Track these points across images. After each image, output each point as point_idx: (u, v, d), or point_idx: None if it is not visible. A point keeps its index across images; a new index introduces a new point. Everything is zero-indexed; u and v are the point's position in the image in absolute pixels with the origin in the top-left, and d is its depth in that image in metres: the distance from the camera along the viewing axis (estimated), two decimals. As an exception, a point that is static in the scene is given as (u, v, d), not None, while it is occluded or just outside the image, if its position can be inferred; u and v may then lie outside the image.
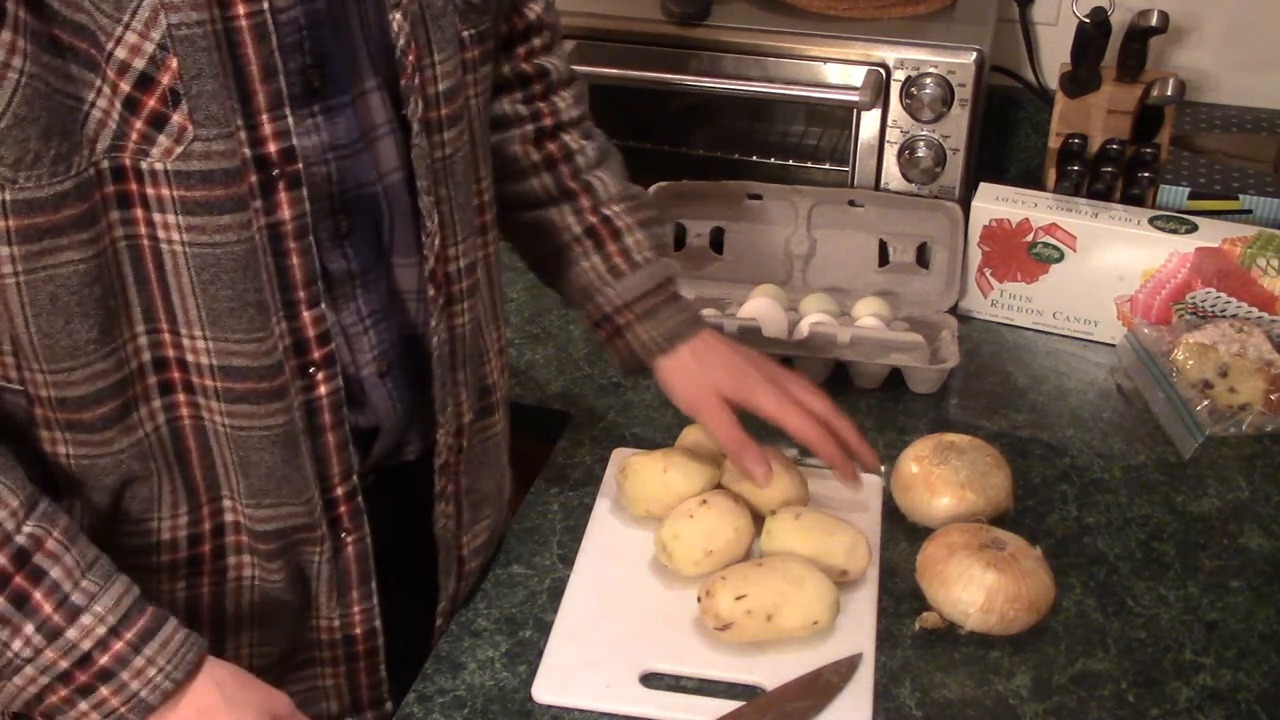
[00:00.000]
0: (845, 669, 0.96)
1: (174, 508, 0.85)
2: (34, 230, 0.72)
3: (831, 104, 1.43)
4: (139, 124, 0.73)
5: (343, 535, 0.91)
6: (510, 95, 1.07)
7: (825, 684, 0.95)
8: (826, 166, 1.53)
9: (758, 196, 1.42)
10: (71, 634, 0.75)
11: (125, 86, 0.72)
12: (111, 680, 0.76)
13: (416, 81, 0.85)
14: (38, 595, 0.74)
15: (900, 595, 1.05)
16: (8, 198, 0.71)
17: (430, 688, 0.97)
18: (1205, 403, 1.25)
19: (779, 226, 1.43)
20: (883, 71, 1.38)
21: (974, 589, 0.99)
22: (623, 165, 1.13)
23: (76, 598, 0.76)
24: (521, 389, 1.32)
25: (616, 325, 1.08)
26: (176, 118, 0.73)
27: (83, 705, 0.76)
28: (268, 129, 0.77)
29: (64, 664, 0.75)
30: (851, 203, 1.41)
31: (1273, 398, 1.25)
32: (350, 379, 0.89)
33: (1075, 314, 1.40)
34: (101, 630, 0.76)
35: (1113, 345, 1.39)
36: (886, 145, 1.42)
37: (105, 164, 0.74)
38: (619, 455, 1.20)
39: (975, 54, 1.36)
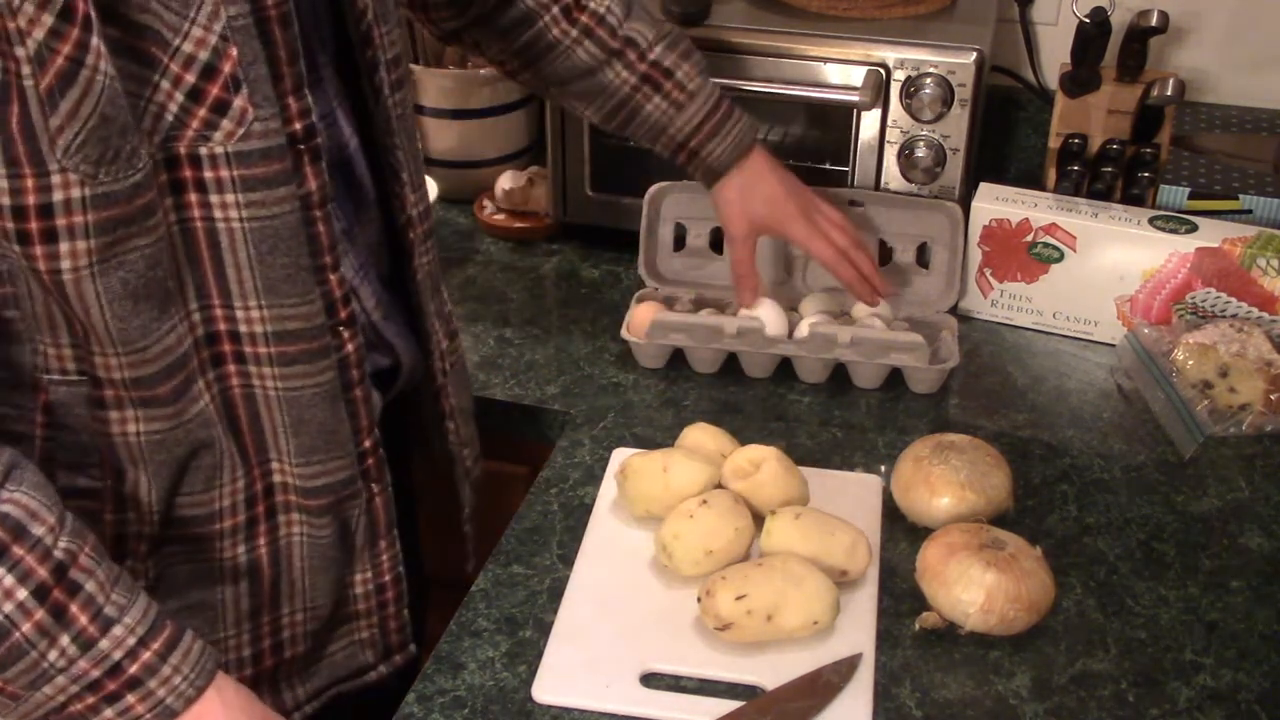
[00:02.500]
0: (845, 669, 0.96)
1: (232, 473, 0.91)
2: (110, 222, 0.76)
3: (831, 104, 1.43)
4: (202, 112, 0.78)
5: (372, 486, 0.98)
6: None
7: (825, 684, 0.95)
8: (826, 166, 1.53)
9: (758, 196, 1.42)
10: (104, 644, 0.77)
11: (190, 78, 0.77)
12: (139, 688, 0.78)
13: (380, 53, 0.93)
14: (74, 608, 0.77)
15: (900, 595, 1.05)
16: (88, 193, 0.75)
17: (430, 688, 0.97)
18: (1205, 403, 1.25)
19: (779, 226, 1.42)
20: (883, 71, 1.38)
21: (974, 589, 0.99)
22: (644, 6, 1.25)
23: (109, 610, 0.78)
24: (521, 389, 1.32)
25: (692, 149, 1.25)
26: (238, 102, 0.79)
27: (108, 712, 0.78)
28: (294, 108, 0.83)
29: (95, 673, 0.77)
30: (851, 203, 1.41)
31: (1273, 398, 1.25)
32: (364, 328, 0.97)
33: (1075, 314, 1.40)
34: (131, 641, 0.78)
35: (1113, 345, 1.39)
36: (886, 145, 1.42)
37: (159, 155, 0.78)
38: (619, 455, 1.20)
39: (975, 54, 1.36)
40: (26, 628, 0.75)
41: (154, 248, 0.80)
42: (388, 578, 1.02)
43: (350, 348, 0.92)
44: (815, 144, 1.56)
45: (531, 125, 1.68)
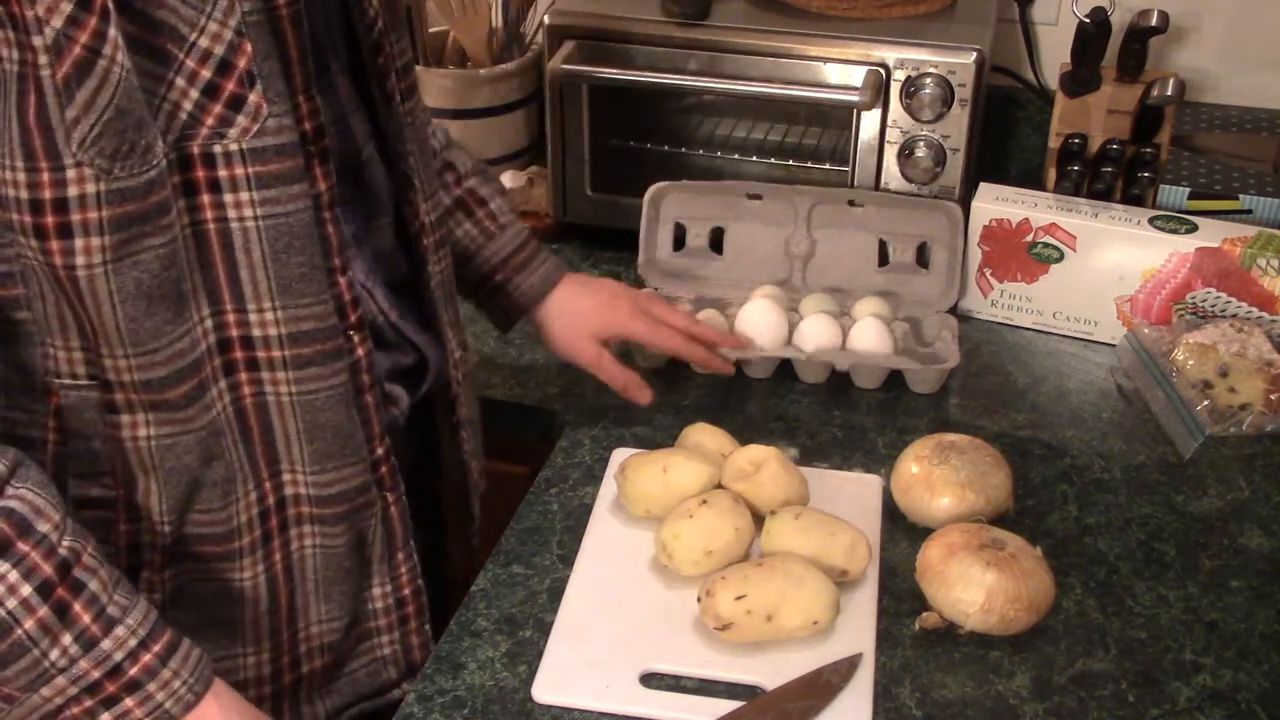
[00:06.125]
0: (845, 669, 0.96)
1: (244, 486, 0.89)
2: (124, 219, 0.76)
3: (831, 104, 1.43)
4: (217, 108, 0.78)
5: (387, 495, 0.97)
6: None
7: (825, 684, 0.95)
8: (826, 166, 1.53)
9: (758, 196, 1.42)
10: (106, 645, 0.77)
11: (206, 73, 0.77)
12: (138, 691, 0.78)
13: (391, 61, 0.93)
14: (78, 606, 0.77)
15: (900, 595, 1.05)
16: (103, 188, 0.75)
17: (430, 688, 0.97)
18: (1205, 403, 1.25)
19: (779, 226, 1.43)
20: (883, 71, 1.38)
21: (974, 589, 0.99)
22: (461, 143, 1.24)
23: (112, 610, 0.78)
24: (521, 389, 1.32)
25: (496, 283, 1.20)
26: (253, 97, 0.79)
27: (105, 716, 0.78)
28: (304, 108, 0.83)
29: (96, 674, 0.77)
30: (851, 203, 1.41)
31: (1273, 398, 1.25)
32: (381, 328, 0.99)
33: (1075, 314, 1.40)
34: (133, 643, 0.78)
35: (1113, 345, 1.39)
36: (886, 145, 1.42)
37: (173, 155, 0.78)
38: (619, 455, 1.20)
39: (975, 54, 1.36)
40: (29, 624, 0.75)
41: (168, 248, 0.79)
42: (407, 591, 1.01)
43: (361, 352, 0.91)
44: (815, 144, 1.57)
45: (531, 125, 1.68)
